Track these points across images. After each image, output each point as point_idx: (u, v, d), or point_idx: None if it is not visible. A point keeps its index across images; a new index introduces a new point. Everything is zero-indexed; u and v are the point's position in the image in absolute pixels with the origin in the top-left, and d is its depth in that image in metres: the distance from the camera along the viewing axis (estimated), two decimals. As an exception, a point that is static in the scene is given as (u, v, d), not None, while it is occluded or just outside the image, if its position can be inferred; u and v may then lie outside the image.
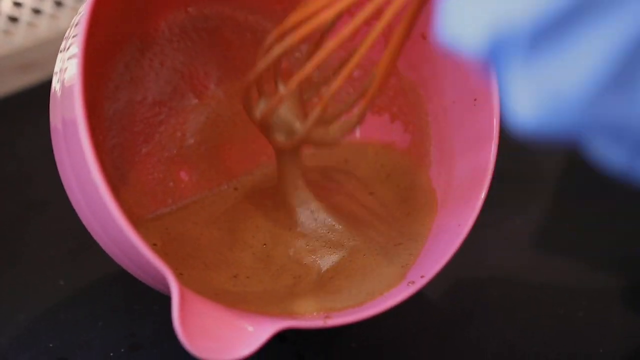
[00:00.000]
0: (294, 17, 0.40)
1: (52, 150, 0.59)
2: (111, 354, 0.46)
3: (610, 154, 0.24)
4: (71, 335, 0.47)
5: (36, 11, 0.67)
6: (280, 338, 0.46)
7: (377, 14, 0.37)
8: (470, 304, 0.50)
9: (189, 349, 0.35)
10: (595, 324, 0.48)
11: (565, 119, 0.23)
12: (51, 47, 0.65)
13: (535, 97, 0.23)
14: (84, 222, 0.41)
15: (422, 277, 0.42)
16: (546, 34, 0.22)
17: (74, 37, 0.39)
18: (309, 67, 0.40)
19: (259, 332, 0.36)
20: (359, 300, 0.43)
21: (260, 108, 0.44)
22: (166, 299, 0.48)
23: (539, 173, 0.59)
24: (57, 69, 0.41)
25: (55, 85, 0.41)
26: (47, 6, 0.67)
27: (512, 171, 0.52)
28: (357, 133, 0.53)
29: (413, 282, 0.42)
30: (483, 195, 0.43)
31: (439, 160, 0.49)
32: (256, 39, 0.52)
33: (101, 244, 0.41)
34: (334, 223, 0.47)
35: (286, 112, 0.44)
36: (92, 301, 0.49)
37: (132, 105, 0.49)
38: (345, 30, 0.38)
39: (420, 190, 0.49)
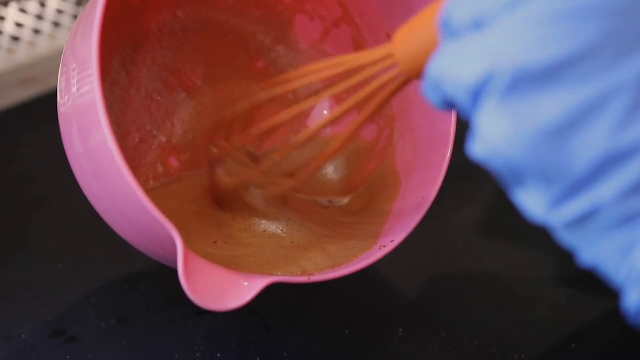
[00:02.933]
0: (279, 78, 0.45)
1: (50, 154, 0.64)
2: (102, 325, 0.50)
3: (535, 198, 0.27)
4: (68, 310, 0.50)
5: (36, 31, 0.70)
6: (250, 311, 0.50)
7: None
8: (421, 286, 0.53)
9: (193, 299, 0.37)
10: (529, 296, 0.52)
11: (516, 149, 0.26)
12: (50, 63, 0.69)
13: (499, 129, 0.26)
14: (92, 199, 0.43)
15: (391, 241, 0.45)
16: (523, 81, 0.26)
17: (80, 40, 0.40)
18: (254, 130, 0.46)
19: (252, 285, 0.39)
20: (337, 262, 0.46)
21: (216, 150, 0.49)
22: (150, 280, 0.53)
23: (484, 169, 0.64)
24: (63, 83, 0.43)
25: (65, 99, 0.42)
26: (46, 26, 0.70)
27: (460, 167, 0.57)
28: (329, 128, 0.55)
29: (384, 246, 0.45)
30: (443, 172, 0.46)
31: (402, 146, 0.52)
32: (237, 40, 0.55)
33: (107, 218, 0.43)
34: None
35: (235, 158, 0.49)
36: (87, 281, 0.52)
37: (126, 97, 0.51)
38: (301, 105, 0.43)
39: (385, 174, 0.52)
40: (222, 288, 0.38)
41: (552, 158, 0.26)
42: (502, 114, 0.26)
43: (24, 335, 0.50)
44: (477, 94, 0.27)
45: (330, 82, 0.44)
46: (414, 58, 0.36)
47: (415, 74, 0.37)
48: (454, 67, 0.28)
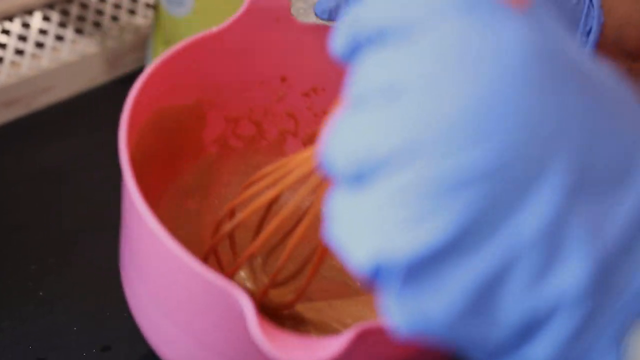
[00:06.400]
0: (242, 196, 0.44)
1: (32, 177, 0.64)
2: (84, 354, 0.50)
3: (472, 356, 0.26)
4: (49, 338, 0.51)
5: (19, 51, 0.70)
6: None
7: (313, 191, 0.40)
8: None
9: (277, 353, 0.33)
10: None
11: (432, 333, 0.25)
12: (33, 85, 0.68)
13: (406, 316, 0.25)
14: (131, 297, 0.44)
15: None
16: (417, 270, 0.25)
17: None
18: (253, 247, 0.43)
19: (339, 338, 0.34)
20: None
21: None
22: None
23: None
24: None
25: None
26: (29, 47, 0.70)
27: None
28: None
29: None
30: None
31: None
32: None
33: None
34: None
35: (242, 277, 0.47)
36: (68, 309, 0.53)
37: None
38: (285, 211, 0.41)
39: None
40: (303, 343, 0.34)
41: (470, 333, 0.25)
42: (405, 308, 0.25)
43: (4, 365, 0.49)
44: (373, 276, 0.26)
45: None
46: None
47: None
48: (345, 233, 0.26)
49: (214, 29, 0.48)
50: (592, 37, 0.45)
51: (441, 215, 0.24)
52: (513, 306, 0.25)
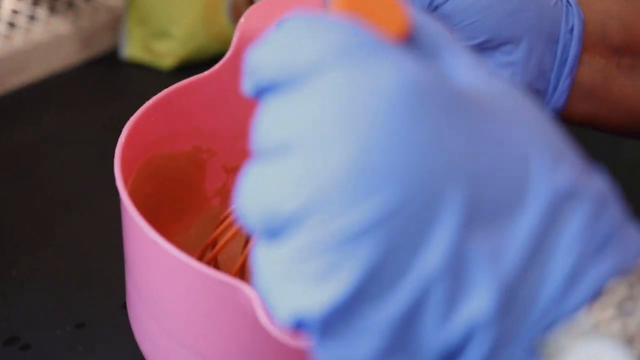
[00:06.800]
0: (215, 233, 0.46)
1: (5, 157, 0.64)
2: (58, 331, 0.49)
3: None
4: (22, 317, 0.50)
5: None
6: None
7: None
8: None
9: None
10: None
11: None
12: (5, 65, 0.68)
13: None
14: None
15: None
16: (333, 320, 0.25)
17: None
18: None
19: None
20: None
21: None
22: (106, 286, 0.53)
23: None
24: None
25: None
26: (1, 27, 0.70)
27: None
28: None
29: None
30: None
31: None
32: None
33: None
34: None
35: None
36: (42, 288, 0.52)
37: None
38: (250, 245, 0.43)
39: None
40: None
41: None
42: (329, 355, 0.26)
43: (-23, 343, 0.49)
44: (296, 329, 0.26)
45: None
46: None
47: None
48: (266, 289, 0.26)
49: (204, 73, 0.47)
50: (575, 32, 0.46)
51: (344, 267, 0.25)
52: (430, 339, 0.25)
